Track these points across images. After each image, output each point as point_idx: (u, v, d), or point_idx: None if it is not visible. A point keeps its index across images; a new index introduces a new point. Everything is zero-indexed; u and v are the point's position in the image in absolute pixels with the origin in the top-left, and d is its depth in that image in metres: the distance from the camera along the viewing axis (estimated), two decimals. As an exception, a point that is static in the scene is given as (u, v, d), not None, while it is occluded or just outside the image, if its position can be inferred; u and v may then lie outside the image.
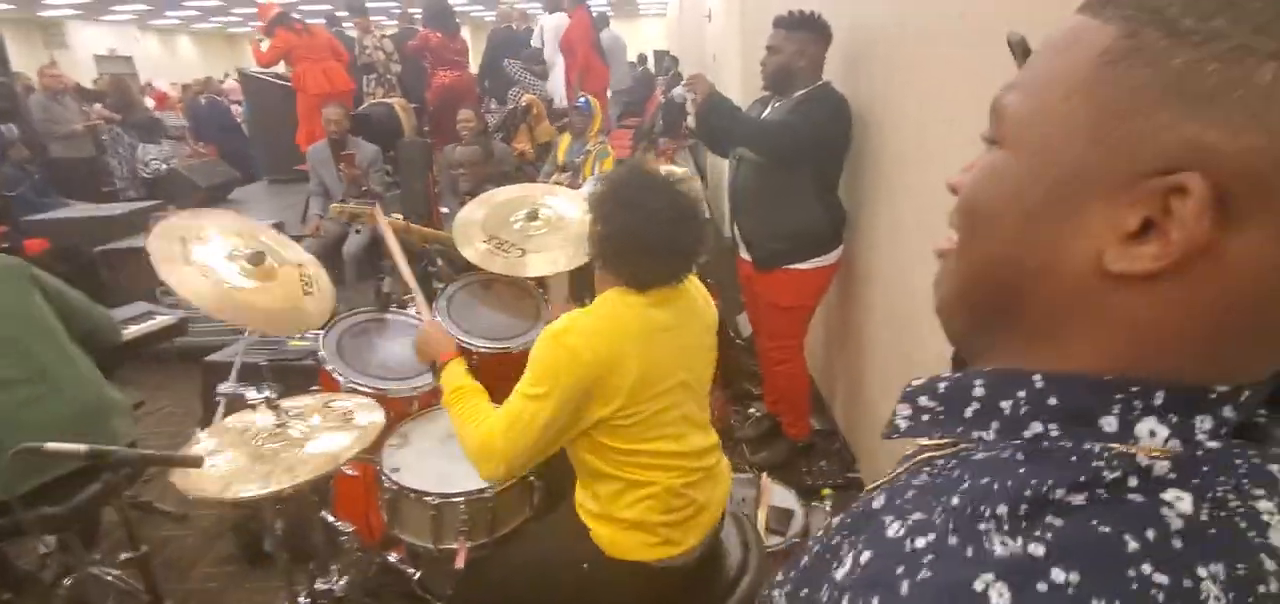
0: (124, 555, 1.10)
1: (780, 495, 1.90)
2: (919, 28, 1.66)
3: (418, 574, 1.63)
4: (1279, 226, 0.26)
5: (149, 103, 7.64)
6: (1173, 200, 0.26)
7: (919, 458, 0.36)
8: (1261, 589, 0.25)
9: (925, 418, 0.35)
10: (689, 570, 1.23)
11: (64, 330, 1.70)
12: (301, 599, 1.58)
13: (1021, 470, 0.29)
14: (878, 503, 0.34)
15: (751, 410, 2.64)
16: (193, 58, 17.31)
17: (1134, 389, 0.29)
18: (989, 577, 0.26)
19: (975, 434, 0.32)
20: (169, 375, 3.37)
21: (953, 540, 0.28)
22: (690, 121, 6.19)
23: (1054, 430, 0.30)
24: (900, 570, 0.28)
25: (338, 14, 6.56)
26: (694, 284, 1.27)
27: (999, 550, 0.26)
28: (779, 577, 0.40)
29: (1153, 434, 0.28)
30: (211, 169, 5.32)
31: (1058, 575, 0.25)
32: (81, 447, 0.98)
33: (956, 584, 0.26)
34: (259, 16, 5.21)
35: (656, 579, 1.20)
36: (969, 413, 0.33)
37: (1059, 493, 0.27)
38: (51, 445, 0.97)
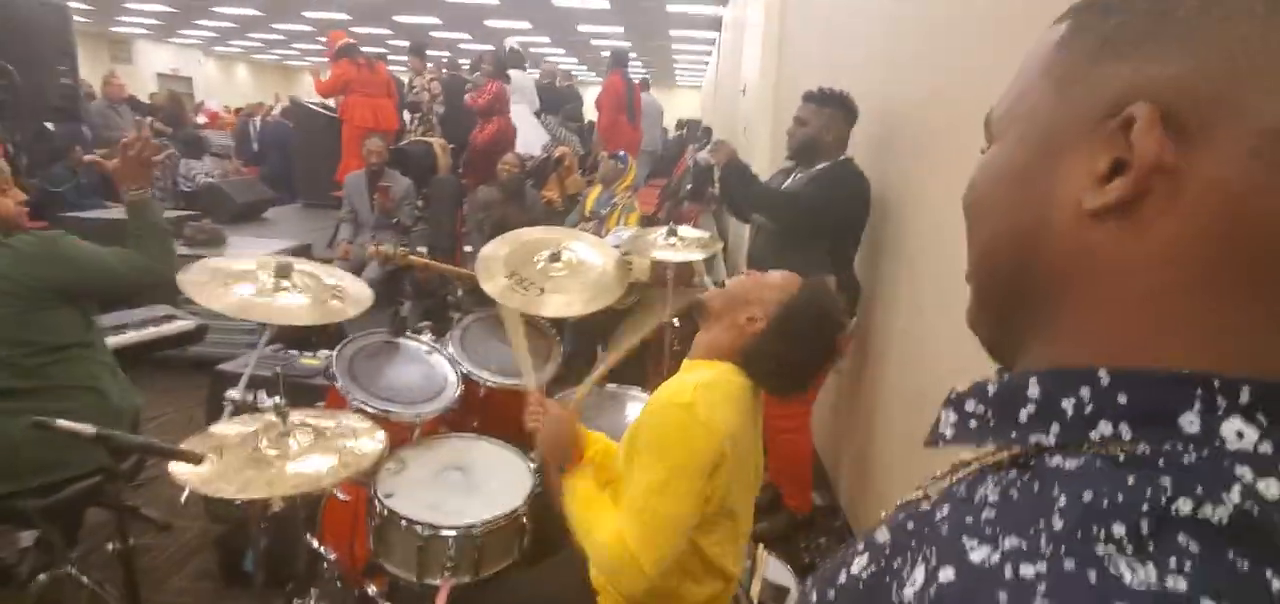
0: (111, 546, 1.07)
1: (776, 570, 1.82)
2: (946, 110, 1.70)
3: (397, 612, 1.57)
4: (1232, 143, 0.27)
5: (201, 119, 8.01)
6: (1132, 135, 0.29)
7: (972, 468, 0.34)
8: None
9: (973, 424, 0.33)
10: None
11: (85, 326, 1.69)
12: (277, 621, 1.53)
13: (1130, 481, 0.26)
14: (941, 514, 0.31)
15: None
16: (248, 85, 18.25)
17: (1216, 384, 0.27)
18: None
19: (1033, 439, 0.30)
20: (176, 382, 3.39)
21: (1068, 565, 0.24)
22: (715, 188, 6.33)
23: (1126, 432, 0.27)
24: (1004, 598, 0.24)
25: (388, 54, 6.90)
26: None
27: (1129, 578, 0.23)
28: (812, 601, 0.36)
29: (1240, 435, 0.26)
30: (249, 187, 5.52)
31: None
32: (90, 428, 0.98)
33: None
34: (329, 41, 5.45)
35: None
36: (1024, 417, 0.31)
37: (1184, 506, 0.25)
38: (62, 423, 0.98)
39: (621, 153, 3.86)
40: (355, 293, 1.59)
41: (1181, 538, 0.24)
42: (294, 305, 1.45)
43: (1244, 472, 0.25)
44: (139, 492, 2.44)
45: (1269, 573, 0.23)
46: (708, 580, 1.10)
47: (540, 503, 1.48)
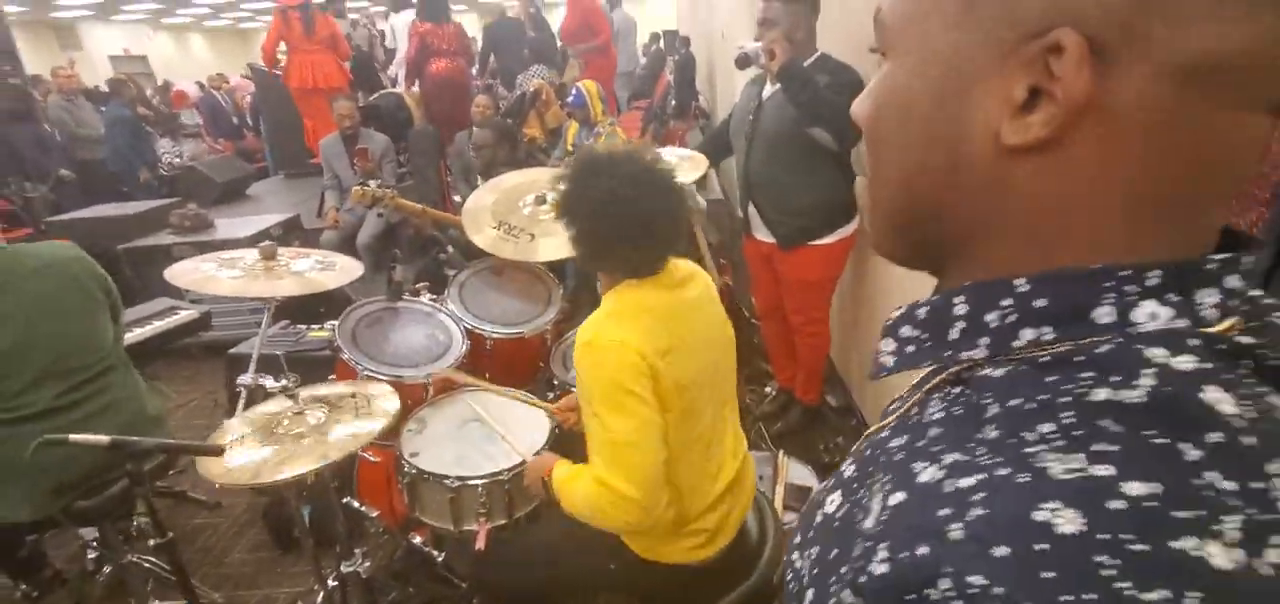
0: (153, 541, 1.13)
1: (798, 472, 1.91)
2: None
3: (441, 556, 1.67)
4: (1154, 65, 0.25)
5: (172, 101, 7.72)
6: (1051, 61, 0.26)
7: (925, 388, 0.34)
8: None
9: (911, 349, 0.33)
10: (715, 561, 1.20)
11: (113, 338, 1.65)
12: (330, 582, 1.63)
13: (1050, 379, 0.26)
14: (897, 442, 0.32)
15: (766, 389, 2.64)
16: (206, 54, 17.46)
17: (1123, 273, 0.27)
18: (1053, 504, 0.23)
19: (964, 355, 0.30)
20: (196, 369, 3.46)
21: (1002, 472, 0.25)
22: (700, 99, 6.11)
23: (1048, 335, 0.28)
24: (945, 513, 0.25)
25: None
26: (694, 266, 1.20)
27: (1057, 470, 0.24)
28: (797, 540, 0.37)
29: (1154, 316, 0.27)
30: (228, 165, 5.39)
31: (1135, 488, 0.22)
32: (103, 438, 1.00)
33: (1015, 518, 0.23)
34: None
35: (680, 573, 1.18)
36: (955, 334, 0.31)
37: (1101, 394, 0.25)
38: (76, 436, 1.00)
39: (572, 94, 3.67)
40: (342, 263, 1.59)
41: (1104, 423, 0.25)
42: (286, 278, 1.46)
43: (1156, 352, 0.25)
44: (183, 477, 2.54)
45: (1183, 444, 0.23)
46: (685, 535, 1.13)
47: (562, 441, 1.54)
